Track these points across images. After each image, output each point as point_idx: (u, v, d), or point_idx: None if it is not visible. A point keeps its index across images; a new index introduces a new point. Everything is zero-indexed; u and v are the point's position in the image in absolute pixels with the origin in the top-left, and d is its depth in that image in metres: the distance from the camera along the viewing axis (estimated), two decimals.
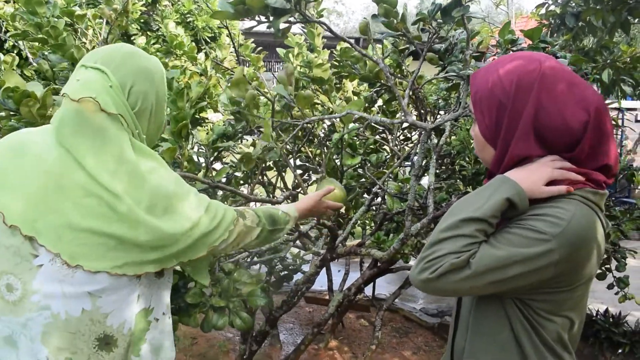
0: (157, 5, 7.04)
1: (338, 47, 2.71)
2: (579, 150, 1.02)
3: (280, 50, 2.99)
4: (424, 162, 2.15)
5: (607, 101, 3.32)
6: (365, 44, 2.12)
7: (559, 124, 1.01)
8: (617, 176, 3.54)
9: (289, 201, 2.26)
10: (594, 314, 4.16)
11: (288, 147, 2.58)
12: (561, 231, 0.96)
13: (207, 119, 2.79)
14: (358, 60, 2.47)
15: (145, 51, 1.32)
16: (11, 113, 1.63)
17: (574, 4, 3.81)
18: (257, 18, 1.67)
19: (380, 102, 2.81)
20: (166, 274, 1.25)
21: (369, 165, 2.70)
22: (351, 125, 2.30)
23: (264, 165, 2.56)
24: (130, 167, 1.12)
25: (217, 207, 1.26)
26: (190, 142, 2.05)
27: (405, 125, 3.12)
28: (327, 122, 2.80)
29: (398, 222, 2.90)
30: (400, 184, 2.50)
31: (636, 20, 3.62)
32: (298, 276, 2.85)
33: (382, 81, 2.46)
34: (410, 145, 3.25)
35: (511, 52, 1.77)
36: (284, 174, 2.86)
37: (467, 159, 2.72)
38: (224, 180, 2.26)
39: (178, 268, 1.37)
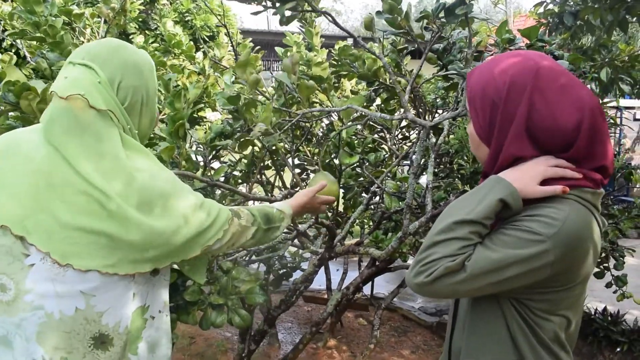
0: (156, 4, 7.03)
1: (336, 46, 2.71)
2: (574, 151, 1.01)
3: (279, 50, 2.98)
4: (422, 161, 2.15)
5: (606, 100, 3.33)
6: (364, 42, 2.11)
7: (551, 125, 1.00)
8: (615, 174, 3.55)
9: None
10: (593, 313, 4.16)
11: (286, 146, 2.58)
12: (556, 232, 0.96)
13: (205, 117, 2.79)
14: (357, 58, 2.47)
15: (144, 50, 1.31)
16: (9, 109, 1.64)
17: (572, 3, 3.81)
18: (263, 3, 1.67)
19: (378, 101, 2.81)
20: (162, 272, 1.23)
21: (367, 164, 2.70)
22: (350, 124, 2.30)
23: (262, 164, 2.56)
24: (119, 165, 1.11)
25: (211, 206, 1.24)
26: (188, 141, 2.05)
27: (403, 123, 3.12)
28: (326, 121, 2.80)
29: (396, 221, 2.90)
30: (398, 182, 2.50)
31: (634, 19, 3.62)
32: (296, 275, 2.85)
33: (380, 80, 2.46)
34: (409, 144, 3.26)
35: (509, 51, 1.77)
36: (282, 172, 2.86)
37: (465, 157, 2.73)
38: (222, 179, 2.25)
39: (176, 266, 1.37)
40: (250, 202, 2.29)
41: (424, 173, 2.42)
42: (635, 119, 10.85)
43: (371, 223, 3.17)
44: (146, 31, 6.72)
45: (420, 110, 2.94)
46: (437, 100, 3.25)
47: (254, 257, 2.58)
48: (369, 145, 2.76)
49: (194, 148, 2.33)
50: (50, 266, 1.07)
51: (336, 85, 2.91)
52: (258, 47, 3.10)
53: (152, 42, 5.82)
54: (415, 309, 4.79)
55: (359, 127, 2.59)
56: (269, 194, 2.77)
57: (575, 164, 1.03)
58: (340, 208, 2.82)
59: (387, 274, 3.62)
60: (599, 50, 3.52)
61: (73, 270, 1.07)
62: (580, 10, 3.63)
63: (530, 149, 1.03)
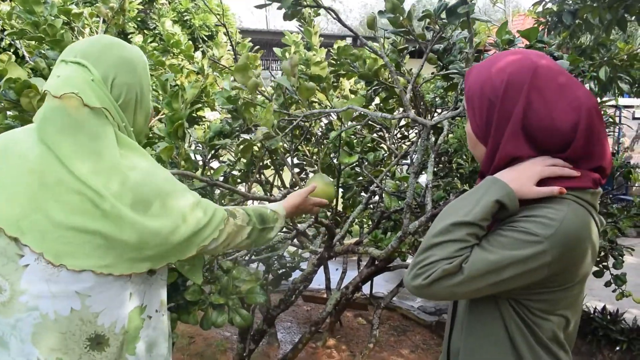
0: (154, 3, 7.02)
1: (335, 46, 2.70)
2: (571, 151, 1.00)
3: (277, 50, 2.98)
4: (422, 160, 2.15)
5: (605, 98, 3.34)
6: (361, 44, 2.11)
7: (549, 124, 1.00)
8: (614, 173, 3.55)
9: None
10: (592, 312, 4.17)
11: (286, 145, 2.58)
12: (553, 232, 0.95)
13: (204, 117, 2.78)
14: (357, 58, 2.47)
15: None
16: (9, 106, 1.64)
17: (570, 2, 3.81)
18: None
19: (377, 100, 2.81)
20: (159, 271, 1.22)
21: (366, 163, 2.70)
22: (349, 123, 2.30)
23: (261, 163, 2.56)
24: (113, 163, 1.10)
25: (207, 205, 1.23)
26: (187, 141, 2.05)
27: (402, 123, 3.12)
28: (325, 121, 2.80)
29: (395, 221, 2.90)
30: (397, 182, 2.50)
31: (633, 18, 3.62)
32: (296, 274, 2.85)
33: (380, 79, 2.46)
34: (408, 143, 3.26)
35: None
36: (281, 172, 2.86)
37: (464, 157, 2.73)
38: (221, 178, 2.25)
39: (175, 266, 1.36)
40: (250, 202, 2.28)
41: (423, 172, 2.43)
42: (634, 118, 10.86)
43: (370, 222, 3.18)
44: (145, 31, 6.71)
45: (420, 109, 2.94)
46: (436, 100, 3.25)
47: (253, 257, 2.58)
48: (368, 145, 2.76)
49: (192, 147, 2.33)
50: (44, 266, 1.06)
51: (335, 84, 2.91)
52: (257, 47, 3.09)
53: (151, 42, 5.84)
54: (415, 308, 4.80)
55: (358, 126, 2.59)
56: (268, 194, 2.77)
57: (572, 164, 1.02)
58: (340, 207, 2.82)
59: (386, 273, 3.62)
60: (597, 49, 3.52)
61: (67, 270, 1.06)
62: (579, 9, 3.63)
63: (527, 149, 1.03)
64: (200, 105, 2.61)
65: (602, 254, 3.32)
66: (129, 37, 5.49)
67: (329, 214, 2.74)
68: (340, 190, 2.64)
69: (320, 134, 2.78)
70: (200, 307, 1.83)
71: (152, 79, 2.89)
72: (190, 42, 3.20)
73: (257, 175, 2.68)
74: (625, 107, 10.08)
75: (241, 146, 2.00)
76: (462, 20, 1.86)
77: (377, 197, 2.81)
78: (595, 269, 3.29)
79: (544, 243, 0.95)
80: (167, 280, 1.28)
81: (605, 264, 3.37)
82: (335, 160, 2.60)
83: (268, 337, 3.87)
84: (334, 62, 2.59)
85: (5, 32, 2.60)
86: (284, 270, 2.92)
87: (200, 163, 2.19)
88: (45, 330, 1.07)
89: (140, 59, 1.23)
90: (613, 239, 3.30)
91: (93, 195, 1.06)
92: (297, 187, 2.47)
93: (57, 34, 2.18)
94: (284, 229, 2.81)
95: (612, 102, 3.89)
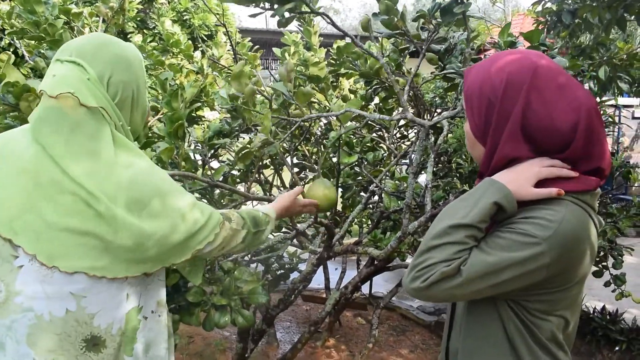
0: (154, 3, 7.02)
1: (335, 45, 2.70)
2: (570, 152, 1.00)
3: (277, 50, 2.98)
4: (421, 160, 2.15)
5: (604, 98, 3.33)
6: (361, 42, 2.11)
7: (548, 125, 0.99)
8: (613, 173, 3.56)
9: None
10: (591, 312, 4.17)
11: (285, 145, 2.58)
12: (551, 234, 0.95)
13: (203, 117, 2.78)
14: (359, 56, 2.47)
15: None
16: (8, 110, 1.63)
17: (570, 1, 3.81)
18: (261, 5, 1.66)
19: (376, 100, 2.81)
20: (155, 272, 1.20)
21: (365, 163, 2.70)
22: (349, 124, 2.30)
23: (260, 163, 2.56)
24: (108, 164, 1.09)
25: (202, 208, 1.22)
26: (187, 140, 2.04)
27: (402, 123, 3.12)
28: (324, 120, 2.80)
29: (395, 221, 2.90)
30: (397, 182, 2.50)
31: (632, 17, 3.61)
32: (295, 274, 2.85)
33: (380, 78, 2.46)
34: (407, 143, 3.26)
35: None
36: (281, 172, 2.86)
37: (463, 157, 2.73)
38: (220, 178, 2.25)
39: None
40: (249, 202, 2.29)
41: (423, 172, 2.43)
42: (633, 117, 10.88)
43: (370, 222, 3.18)
44: (144, 30, 6.71)
45: (420, 109, 2.94)
46: (436, 100, 3.25)
47: (253, 258, 2.58)
48: (368, 145, 2.76)
49: (192, 147, 2.32)
50: (38, 267, 1.05)
51: (334, 84, 2.91)
52: (257, 47, 3.09)
53: (151, 41, 5.84)
54: (414, 308, 4.80)
55: (357, 125, 2.59)
56: (268, 193, 2.77)
57: (571, 164, 1.02)
58: (339, 207, 2.82)
59: (385, 273, 3.62)
60: (597, 49, 3.52)
61: (60, 272, 1.05)
62: (578, 8, 3.62)
63: (526, 150, 1.02)
64: (199, 104, 2.61)
65: (602, 253, 3.32)
66: (128, 36, 5.49)
67: (328, 214, 2.74)
68: (340, 190, 2.64)
69: (319, 133, 2.78)
70: (202, 308, 1.83)
71: (151, 78, 2.89)
72: (190, 42, 3.19)
73: (257, 175, 2.68)
74: (625, 106, 10.07)
75: (240, 154, 2.00)
76: (458, 18, 1.86)
77: (376, 197, 2.81)
78: (594, 269, 3.30)
79: (542, 244, 0.95)
80: (169, 282, 1.28)
81: (604, 263, 3.37)
82: (334, 160, 2.61)
83: (267, 337, 3.87)
84: (333, 61, 2.59)
85: (6, 32, 2.60)
86: (283, 270, 2.92)
87: (200, 163, 2.19)
88: (40, 331, 1.06)
89: (135, 57, 1.22)
90: (612, 238, 3.31)
91: (87, 197, 1.05)
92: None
93: (57, 33, 2.18)
94: (284, 229, 2.82)
95: (612, 102, 3.89)
